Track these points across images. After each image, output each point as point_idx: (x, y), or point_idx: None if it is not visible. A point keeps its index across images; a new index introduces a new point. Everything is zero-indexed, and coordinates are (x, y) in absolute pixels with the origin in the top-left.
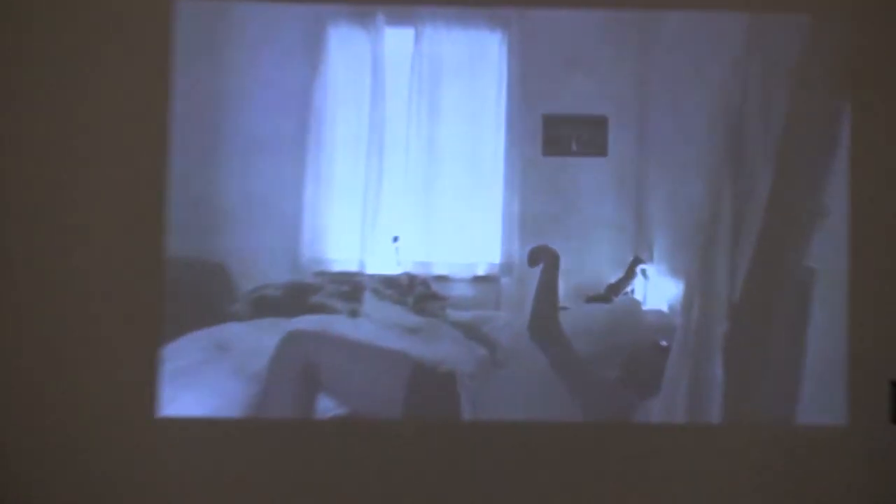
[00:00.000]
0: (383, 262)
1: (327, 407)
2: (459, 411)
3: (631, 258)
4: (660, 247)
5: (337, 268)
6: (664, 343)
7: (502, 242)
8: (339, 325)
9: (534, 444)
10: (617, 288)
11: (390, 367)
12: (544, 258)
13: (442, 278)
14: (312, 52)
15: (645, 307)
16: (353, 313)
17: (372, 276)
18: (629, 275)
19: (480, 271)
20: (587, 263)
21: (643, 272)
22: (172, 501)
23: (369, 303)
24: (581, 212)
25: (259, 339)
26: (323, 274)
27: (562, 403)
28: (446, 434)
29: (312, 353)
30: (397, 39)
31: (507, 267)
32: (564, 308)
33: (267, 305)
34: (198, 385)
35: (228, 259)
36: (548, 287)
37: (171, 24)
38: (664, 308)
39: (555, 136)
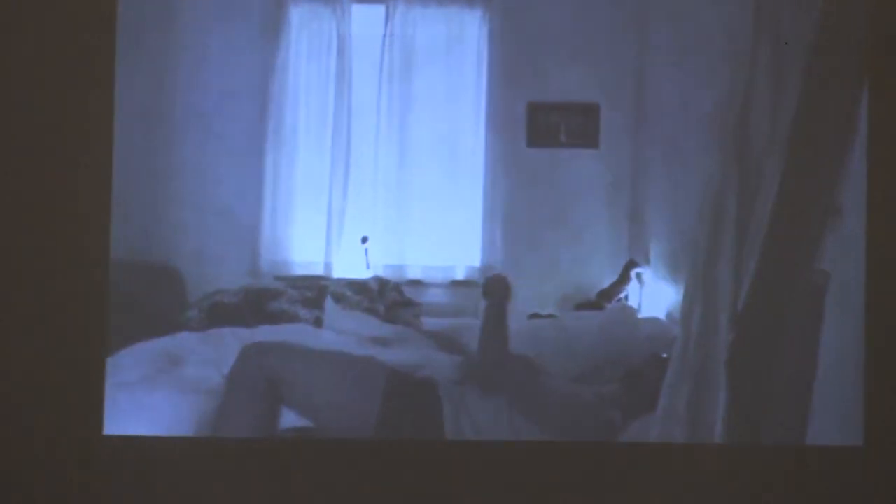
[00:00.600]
0: (351, 266)
1: (290, 421)
2: (442, 424)
3: (625, 261)
4: (657, 248)
5: (300, 272)
6: (665, 355)
7: (482, 244)
8: (301, 336)
9: (521, 464)
10: (609, 294)
11: (363, 376)
12: (493, 293)
13: (416, 283)
14: (271, 32)
15: (640, 315)
16: (318, 322)
17: (339, 281)
18: (623, 279)
19: (458, 275)
20: (577, 266)
21: (638, 276)
22: None
23: (332, 311)
24: (570, 210)
25: (214, 351)
26: (284, 278)
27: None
28: (426, 452)
29: (275, 366)
30: (366, 18)
31: (487, 271)
32: (552, 316)
33: (222, 313)
34: (147, 401)
35: (179, 262)
36: (493, 332)
37: (114, 3)
38: (661, 316)
39: (541, 125)
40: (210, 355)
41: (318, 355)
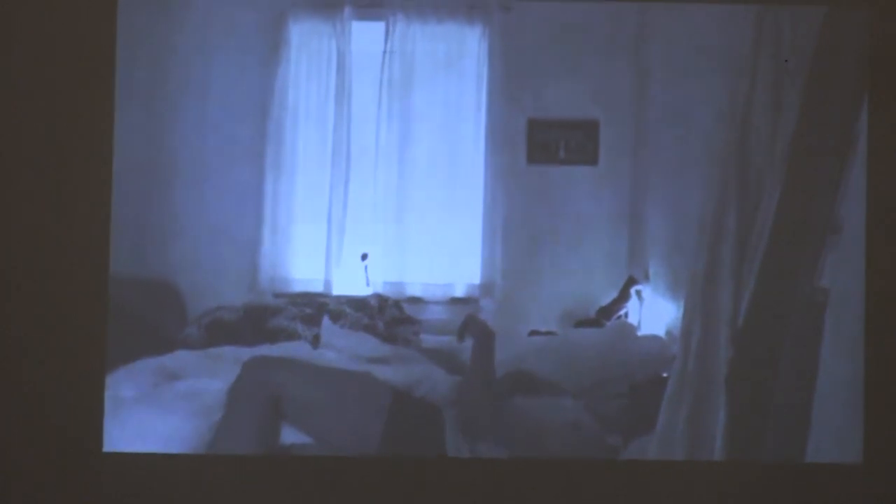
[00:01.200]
0: (351, 283)
1: (290, 437)
2: (444, 445)
3: (625, 278)
4: (656, 265)
5: (299, 288)
6: (665, 374)
7: (482, 261)
8: (298, 355)
9: (523, 482)
10: (609, 311)
11: (367, 394)
12: (473, 334)
13: (415, 300)
14: (271, 48)
15: (640, 332)
16: (317, 339)
17: (338, 298)
18: (623, 296)
19: (458, 292)
20: (576, 283)
21: (638, 293)
22: None
23: (329, 330)
24: (569, 226)
25: (214, 368)
26: (284, 295)
27: (545, 420)
28: (427, 469)
29: (278, 382)
30: (365, 35)
31: (487, 288)
32: (551, 333)
33: (222, 330)
34: (146, 418)
35: (179, 278)
36: (478, 374)
37: (113, 20)
38: (661, 333)
39: (541, 142)
40: (210, 373)
41: (322, 372)
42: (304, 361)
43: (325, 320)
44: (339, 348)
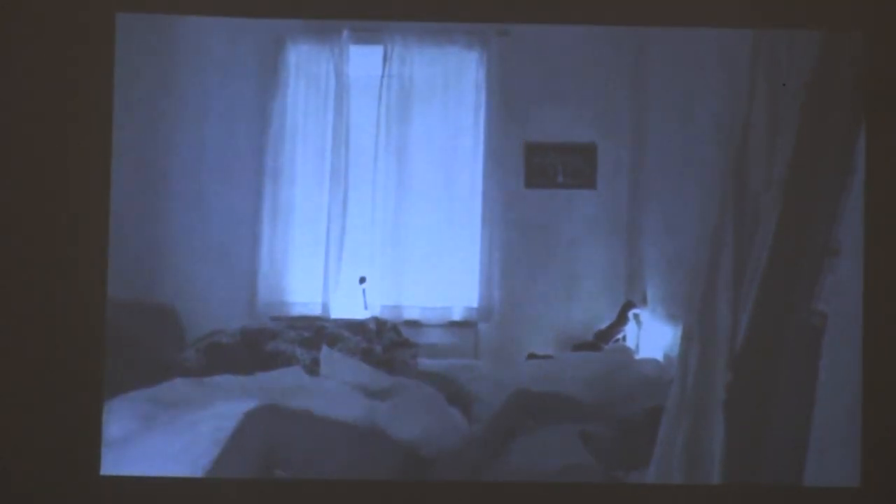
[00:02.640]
0: (349, 306)
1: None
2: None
3: (622, 302)
4: (654, 289)
5: (297, 312)
6: (661, 403)
7: (480, 284)
8: (297, 384)
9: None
10: (607, 335)
11: (375, 456)
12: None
13: (413, 323)
14: (269, 72)
15: (638, 356)
16: (315, 363)
17: (336, 322)
18: (620, 320)
19: (456, 316)
20: (574, 307)
21: (636, 317)
22: None
23: (328, 360)
24: (567, 250)
25: (211, 395)
26: (281, 318)
27: (546, 461)
28: (425, 492)
29: (281, 441)
30: (364, 58)
31: (485, 311)
32: (549, 357)
33: (220, 353)
34: (144, 442)
35: (177, 302)
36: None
37: (112, 44)
38: (659, 357)
39: (538, 165)
40: (207, 399)
41: (327, 429)
42: (308, 415)
43: (325, 349)
44: (339, 379)
